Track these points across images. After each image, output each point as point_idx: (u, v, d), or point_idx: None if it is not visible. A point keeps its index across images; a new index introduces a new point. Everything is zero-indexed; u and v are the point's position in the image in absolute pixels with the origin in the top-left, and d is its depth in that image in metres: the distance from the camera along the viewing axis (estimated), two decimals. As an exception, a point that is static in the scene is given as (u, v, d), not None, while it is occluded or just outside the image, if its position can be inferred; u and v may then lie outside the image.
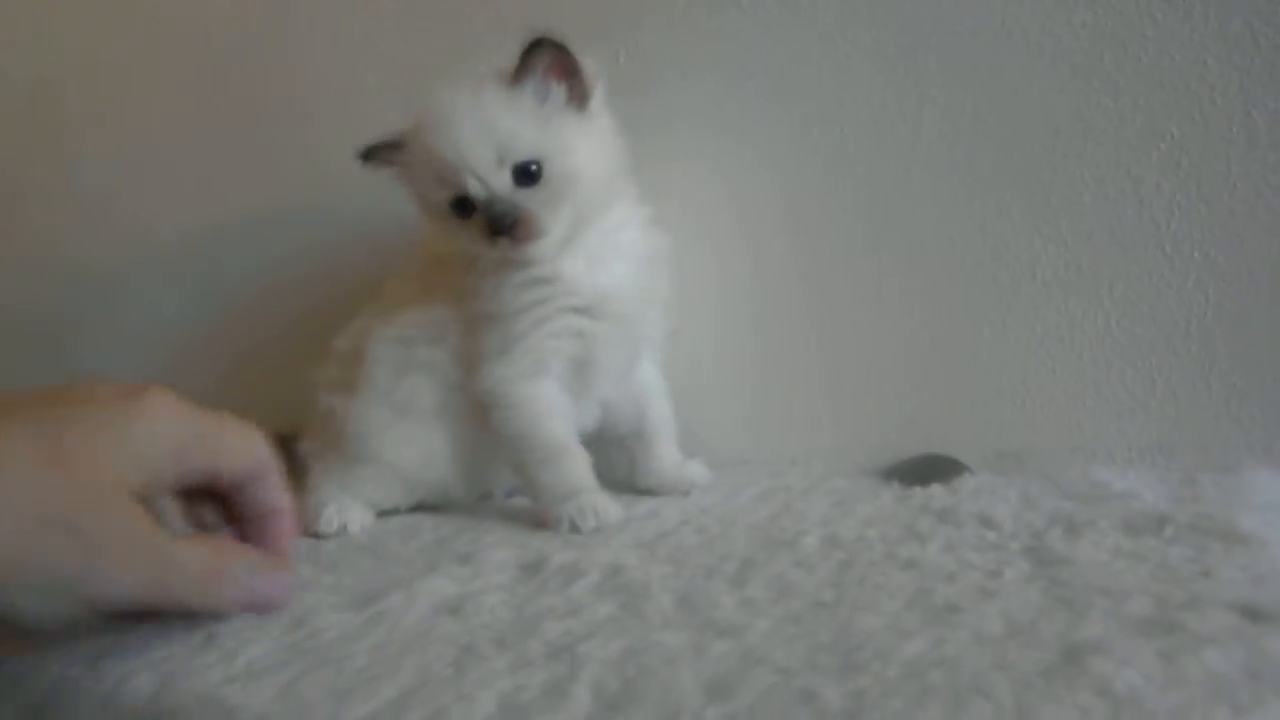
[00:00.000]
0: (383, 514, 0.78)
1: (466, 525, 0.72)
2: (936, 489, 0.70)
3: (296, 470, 0.90)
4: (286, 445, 1.00)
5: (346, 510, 0.75)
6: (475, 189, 0.69)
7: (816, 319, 0.81)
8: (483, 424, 0.74)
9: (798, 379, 0.82)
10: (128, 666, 0.46)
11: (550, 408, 0.72)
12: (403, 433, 0.76)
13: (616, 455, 0.79)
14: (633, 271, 0.74)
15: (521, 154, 0.68)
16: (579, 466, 0.71)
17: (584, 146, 0.70)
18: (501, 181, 0.68)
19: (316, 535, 0.74)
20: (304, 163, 1.08)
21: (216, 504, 0.51)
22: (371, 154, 0.74)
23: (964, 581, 0.49)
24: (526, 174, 0.69)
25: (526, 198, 0.68)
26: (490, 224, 0.68)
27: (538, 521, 0.70)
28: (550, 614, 0.49)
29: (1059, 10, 0.70)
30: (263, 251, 1.12)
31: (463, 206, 0.70)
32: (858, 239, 0.79)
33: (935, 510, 0.64)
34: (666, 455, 0.79)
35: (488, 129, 0.68)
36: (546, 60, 0.69)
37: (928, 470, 0.74)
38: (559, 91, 0.70)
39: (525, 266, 0.71)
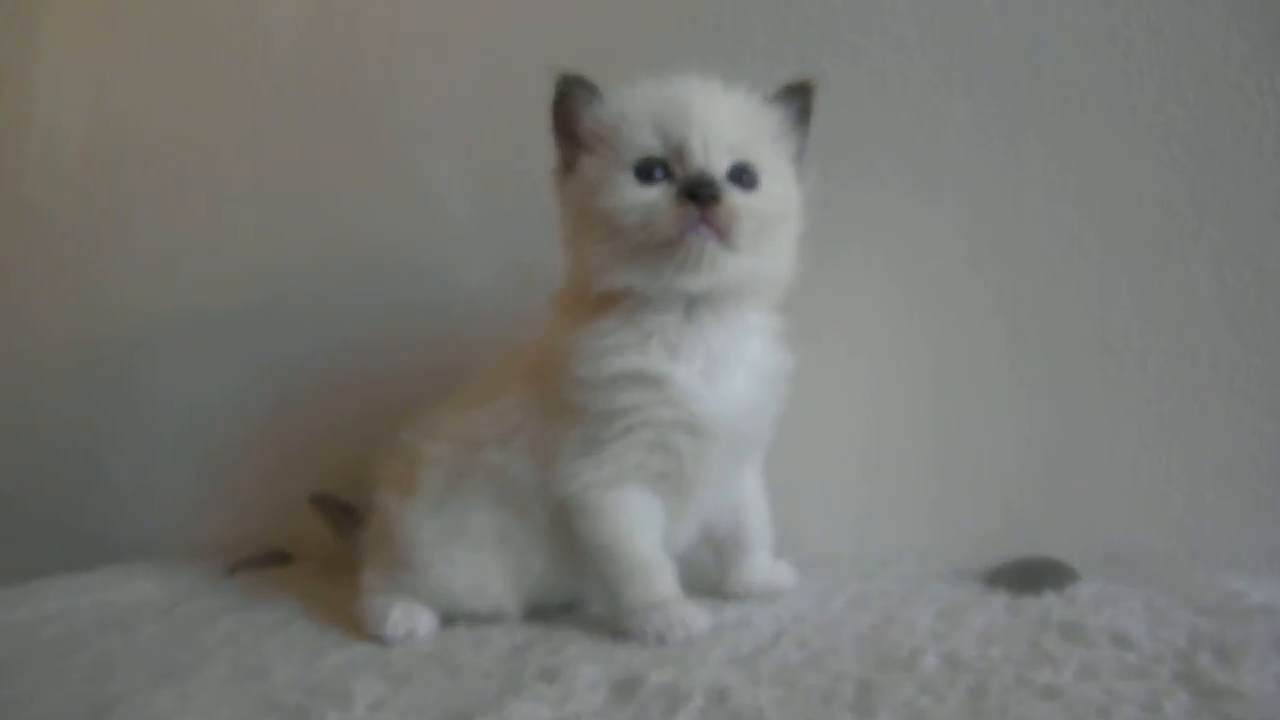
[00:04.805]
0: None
1: (542, 633, 0.68)
2: (1051, 598, 0.65)
3: (353, 546, 0.86)
4: (346, 511, 0.98)
5: (414, 614, 0.70)
6: (696, 153, 0.62)
7: (914, 413, 0.77)
8: (554, 537, 0.67)
9: (888, 473, 0.78)
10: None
11: (637, 520, 0.66)
12: (453, 554, 0.70)
13: (704, 557, 0.75)
14: (752, 388, 0.67)
15: (751, 155, 0.64)
16: (665, 577, 0.66)
17: (792, 198, 0.67)
18: (719, 163, 0.63)
19: (381, 640, 0.69)
20: (372, 243, 1.07)
21: None
22: (572, 82, 0.66)
23: (1120, 717, 0.44)
24: (743, 176, 0.64)
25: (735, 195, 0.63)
26: (690, 185, 0.61)
27: (617, 629, 0.65)
28: (661, 751, 0.45)
29: (1171, 88, 0.66)
30: (325, 335, 1.10)
31: (649, 173, 0.63)
32: (960, 330, 0.75)
33: (1057, 624, 0.59)
34: (760, 563, 0.74)
35: (734, 111, 0.65)
36: (803, 104, 0.67)
37: (1034, 575, 0.69)
38: (792, 141, 0.68)
39: (685, 266, 0.62)
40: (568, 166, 0.68)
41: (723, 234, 0.62)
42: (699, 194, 0.61)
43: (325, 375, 1.11)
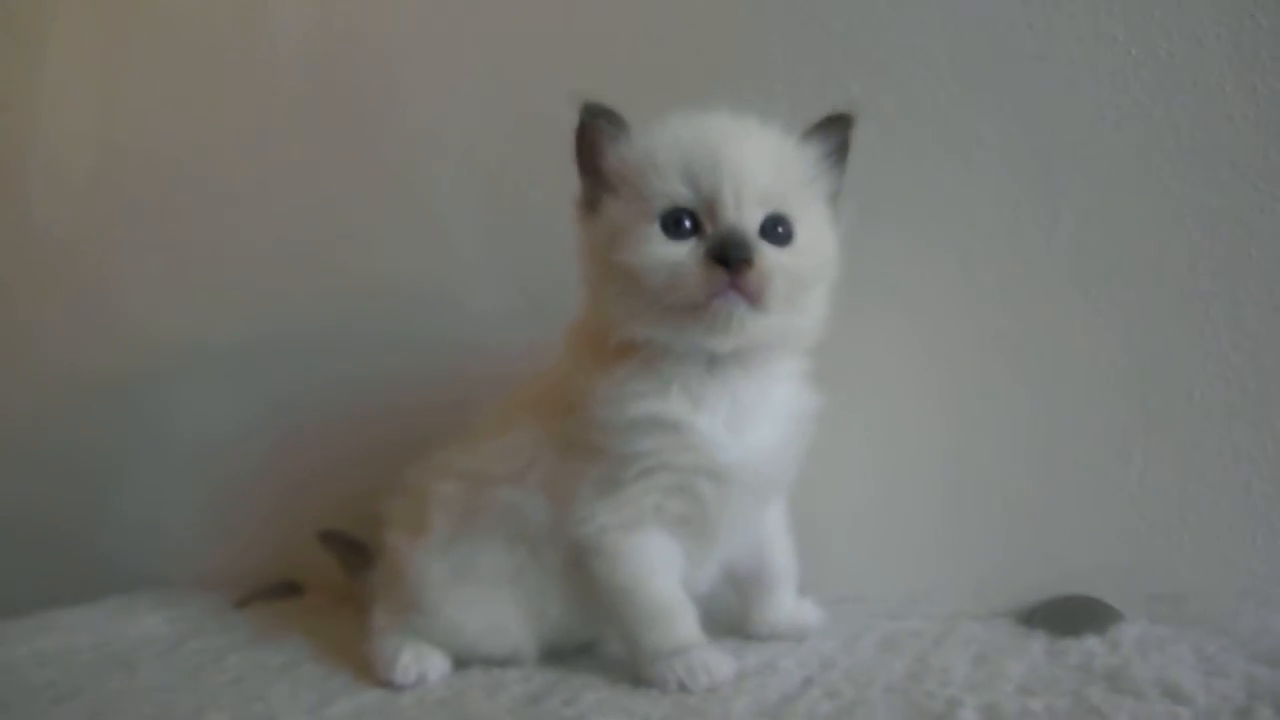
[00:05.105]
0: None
1: (558, 679, 0.65)
2: (1092, 641, 0.62)
3: (362, 583, 0.83)
4: (355, 548, 0.95)
5: (425, 657, 0.67)
6: (727, 206, 0.58)
7: (940, 441, 0.74)
8: (569, 578, 0.65)
9: (918, 507, 0.75)
10: None
11: (657, 563, 0.63)
12: (465, 595, 0.67)
13: (726, 594, 0.72)
14: (777, 432, 0.64)
15: (785, 205, 0.60)
16: (686, 621, 0.63)
17: (829, 249, 0.63)
18: (752, 218, 0.59)
19: (391, 685, 0.66)
20: (379, 272, 1.04)
21: None
22: (596, 113, 0.62)
23: (1181, 784, 0.41)
24: (776, 229, 0.60)
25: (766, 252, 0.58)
26: (720, 247, 0.57)
27: (637, 675, 0.62)
28: (686, 822, 0.42)
29: (1215, 103, 0.63)
30: (331, 367, 1.07)
31: (676, 225, 0.59)
32: (984, 352, 0.72)
33: (1101, 673, 0.56)
34: (784, 601, 0.71)
35: (769, 155, 0.60)
36: (841, 138, 0.63)
37: (1073, 615, 0.66)
38: (829, 181, 0.63)
39: (714, 330, 0.58)
40: (590, 203, 0.64)
41: (754, 299, 0.58)
42: (730, 257, 0.57)
43: (332, 405, 1.08)
